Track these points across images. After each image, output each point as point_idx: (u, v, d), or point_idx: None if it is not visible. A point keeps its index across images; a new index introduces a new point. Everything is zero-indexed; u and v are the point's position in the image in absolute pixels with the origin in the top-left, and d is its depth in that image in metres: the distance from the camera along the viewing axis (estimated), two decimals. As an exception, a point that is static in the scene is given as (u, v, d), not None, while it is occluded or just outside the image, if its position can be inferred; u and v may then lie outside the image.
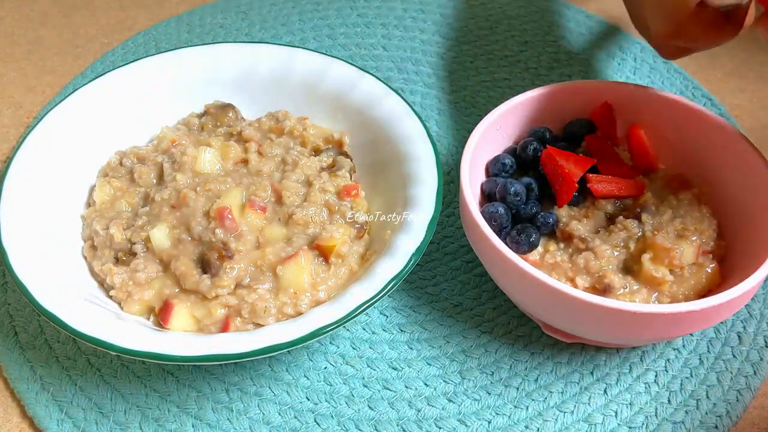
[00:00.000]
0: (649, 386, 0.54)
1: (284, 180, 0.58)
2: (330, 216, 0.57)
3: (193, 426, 0.52)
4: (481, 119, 0.58)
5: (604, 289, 0.50)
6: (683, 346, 0.57)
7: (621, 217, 0.53)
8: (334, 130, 0.64)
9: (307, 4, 0.87)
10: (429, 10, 0.86)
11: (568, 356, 0.56)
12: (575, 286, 0.51)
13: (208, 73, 0.65)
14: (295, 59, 0.65)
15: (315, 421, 0.52)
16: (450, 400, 0.54)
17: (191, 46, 0.66)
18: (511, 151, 0.60)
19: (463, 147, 0.58)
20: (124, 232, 0.55)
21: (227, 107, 0.64)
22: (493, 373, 0.55)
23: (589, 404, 0.53)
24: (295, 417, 0.53)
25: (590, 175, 0.54)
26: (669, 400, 0.54)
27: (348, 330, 0.58)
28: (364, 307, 0.48)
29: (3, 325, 0.57)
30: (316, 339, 0.47)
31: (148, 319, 0.53)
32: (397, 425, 0.52)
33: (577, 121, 0.61)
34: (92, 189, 0.60)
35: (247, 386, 0.54)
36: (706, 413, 0.53)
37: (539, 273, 0.48)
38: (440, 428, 0.52)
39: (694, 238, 0.52)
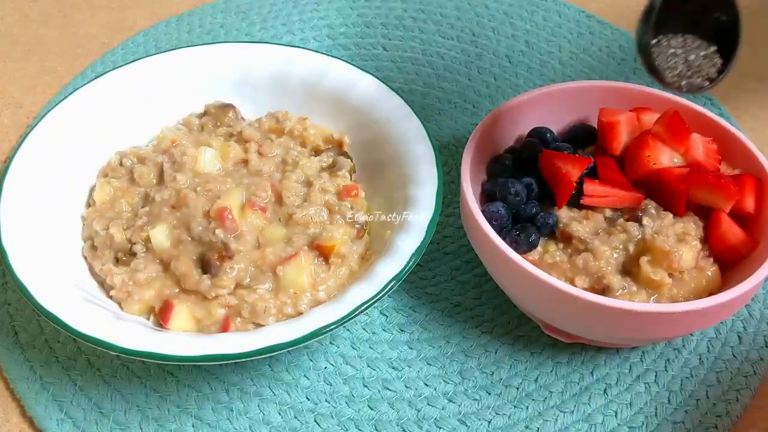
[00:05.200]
0: (649, 386, 0.54)
1: (284, 180, 0.58)
2: (330, 216, 0.57)
3: (193, 426, 0.52)
4: (481, 119, 0.59)
5: (602, 290, 0.50)
6: (683, 346, 0.57)
7: (621, 219, 0.53)
8: (334, 130, 0.64)
9: (307, 4, 0.87)
10: (429, 10, 0.86)
11: (568, 356, 0.56)
12: (574, 286, 0.51)
13: (208, 73, 0.65)
14: (295, 59, 0.65)
15: (315, 421, 0.52)
16: (450, 400, 0.54)
17: (191, 46, 0.66)
18: (512, 151, 0.60)
19: (463, 147, 0.58)
20: (124, 232, 0.55)
21: (227, 107, 0.64)
22: (493, 373, 0.55)
23: (589, 404, 0.53)
24: (295, 417, 0.53)
25: (588, 187, 0.54)
26: (669, 400, 0.54)
27: (348, 330, 0.58)
28: (364, 307, 0.48)
29: (3, 325, 0.57)
30: (316, 339, 0.47)
31: (148, 319, 0.53)
32: (397, 425, 0.52)
33: (581, 125, 0.61)
34: (92, 189, 0.60)
35: (247, 386, 0.54)
36: (706, 413, 0.53)
37: (540, 272, 0.48)
38: (440, 428, 0.52)
39: (695, 243, 0.52)
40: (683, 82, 0.49)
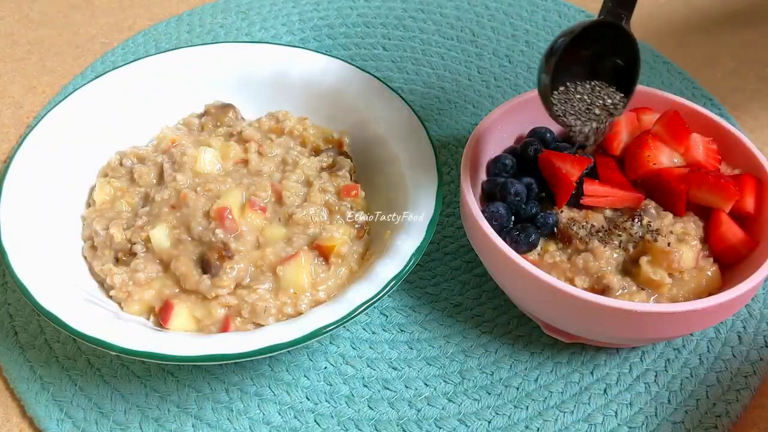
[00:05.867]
0: (649, 386, 0.54)
1: (284, 180, 0.58)
2: (330, 216, 0.57)
3: (193, 426, 0.52)
4: (481, 119, 0.59)
5: (602, 290, 0.50)
6: (683, 346, 0.57)
7: (621, 219, 0.53)
8: (334, 130, 0.64)
9: (307, 4, 0.87)
10: (429, 10, 0.86)
11: (568, 356, 0.56)
12: (574, 286, 0.51)
13: (208, 73, 0.65)
14: (295, 59, 0.65)
15: (315, 421, 0.52)
16: (450, 400, 0.54)
17: (191, 46, 0.66)
18: (512, 151, 0.60)
19: (463, 147, 0.58)
20: (124, 232, 0.55)
21: (227, 107, 0.64)
22: (493, 373, 0.55)
23: (589, 404, 0.53)
24: (295, 417, 0.53)
25: (588, 187, 0.54)
26: (669, 400, 0.54)
27: (348, 330, 0.58)
28: (364, 307, 0.48)
29: (3, 325, 0.57)
30: (316, 339, 0.47)
31: (148, 319, 0.53)
32: (397, 425, 0.52)
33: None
34: (92, 189, 0.60)
35: (247, 386, 0.54)
36: (706, 413, 0.53)
37: (540, 272, 0.48)
38: (440, 428, 0.52)
39: (694, 243, 0.52)
40: (581, 130, 0.51)
